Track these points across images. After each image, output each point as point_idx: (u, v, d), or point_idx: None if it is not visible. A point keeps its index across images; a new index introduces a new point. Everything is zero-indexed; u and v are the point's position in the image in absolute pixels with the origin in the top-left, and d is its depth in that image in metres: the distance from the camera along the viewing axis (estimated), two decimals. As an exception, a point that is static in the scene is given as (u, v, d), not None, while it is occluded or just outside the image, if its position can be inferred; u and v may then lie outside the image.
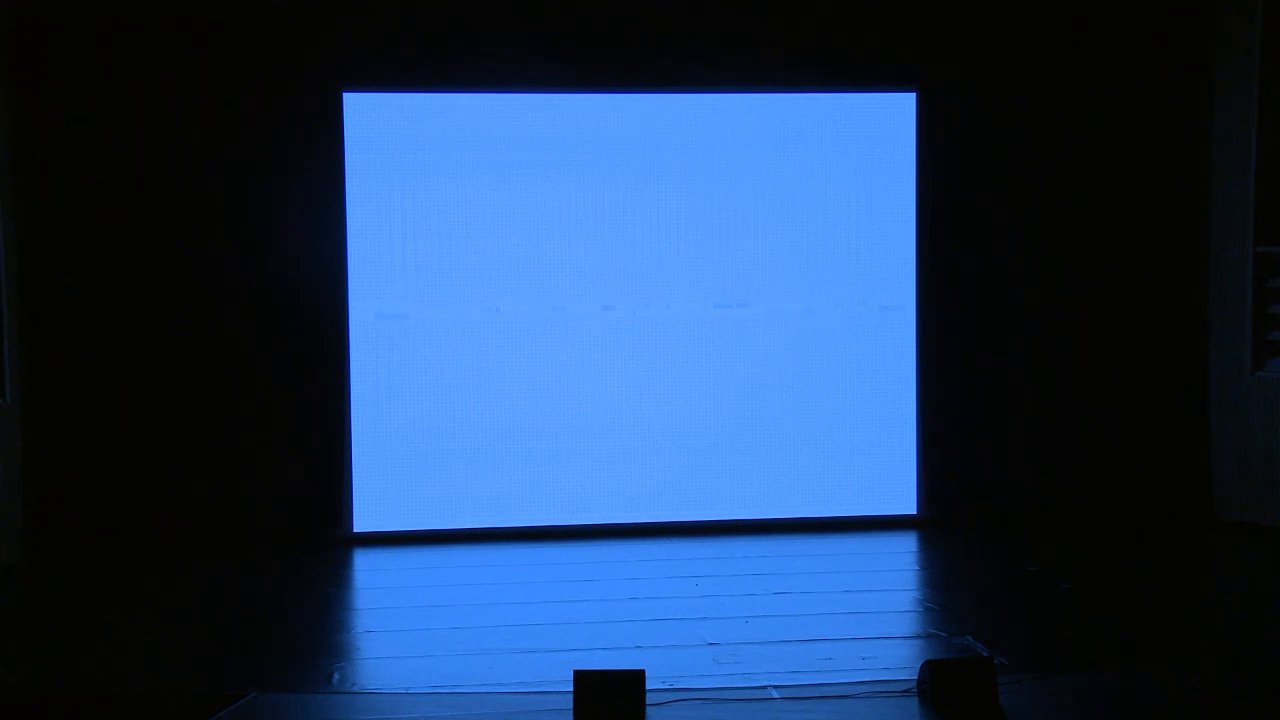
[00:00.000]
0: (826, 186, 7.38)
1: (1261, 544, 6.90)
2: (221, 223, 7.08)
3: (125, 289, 7.04)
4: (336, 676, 4.87)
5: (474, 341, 7.23)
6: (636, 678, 4.31)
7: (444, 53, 7.14)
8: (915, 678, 4.56)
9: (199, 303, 7.08)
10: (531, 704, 4.50)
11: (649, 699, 4.34)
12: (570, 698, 4.29)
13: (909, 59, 7.38)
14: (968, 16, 7.40)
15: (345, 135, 7.08)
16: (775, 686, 4.65)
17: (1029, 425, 7.54)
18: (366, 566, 6.77)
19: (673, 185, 7.29)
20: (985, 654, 4.92)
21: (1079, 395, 7.56)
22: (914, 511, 7.48)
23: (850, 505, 7.45)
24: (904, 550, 7.00)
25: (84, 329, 7.02)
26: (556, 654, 5.08)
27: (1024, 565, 6.52)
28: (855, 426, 7.45)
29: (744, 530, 7.33)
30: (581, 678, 4.29)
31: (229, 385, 7.12)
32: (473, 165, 7.18)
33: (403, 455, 7.21)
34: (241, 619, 5.73)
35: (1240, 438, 7.24)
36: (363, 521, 7.19)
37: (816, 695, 4.55)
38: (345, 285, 7.12)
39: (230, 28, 7.03)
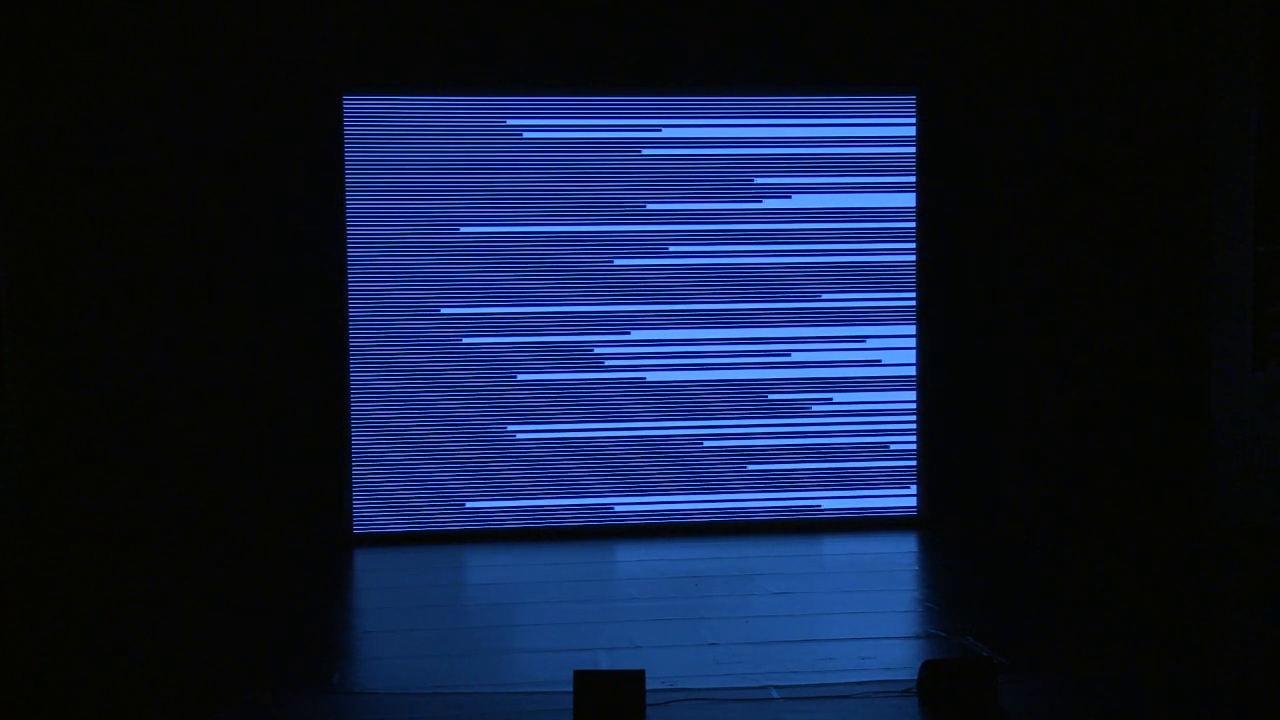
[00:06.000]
0: (826, 186, 7.38)
1: (1262, 544, 6.90)
2: (222, 224, 7.08)
3: (125, 289, 7.04)
4: (336, 676, 4.88)
5: (474, 341, 7.23)
6: (636, 678, 4.32)
7: (444, 56, 7.15)
8: (915, 678, 4.56)
9: (199, 303, 7.09)
10: (531, 704, 4.50)
11: (649, 699, 4.35)
12: (570, 698, 4.29)
13: (909, 60, 7.38)
14: (967, 17, 7.40)
15: (345, 137, 7.09)
16: (775, 686, 4.65)
17: (1029, 425, 7.54)
18: (366, 566, 6.77)
19: (672, 185, 7.29)
20: (985, 654, 4.92)
21: (1079, 395, 7.55)
22: (914, 511, 7.48)
23: (850, 505, 7.46)
24: (904, 550, 7.00)
25: (84, 329, 7.02)
26: (556, 654, 5.09)
27: (1024, 567, 6.53)
28: (855, 426, 7.45)
29: (744, 530, 7.34)
30: (581, 678, 4.29)
31: (229, 386, 7.12)
32: (472, 166, 7.19)
33: (403, 455, 7.22)
34: (242, 619, 5.73)
35: (1241, 438, 7.24)
36: (363, 521, 7.19)
37: (816, 695, 4.55)
38: (345, 286, 7.13)
39: (231, 30, 7.03)
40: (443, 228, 7.19)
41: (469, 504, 7.24)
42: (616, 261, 7.29)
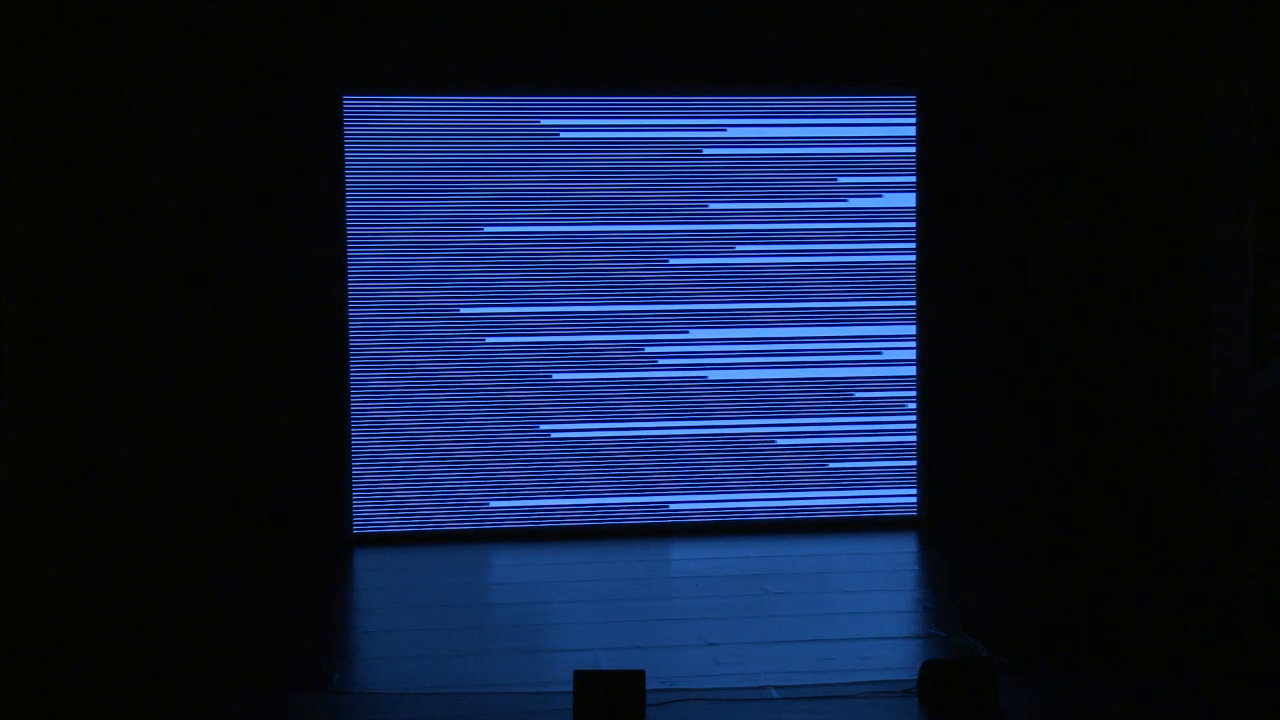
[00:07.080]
0: (826, 187, 7.38)
1: (1261, 545, 6.89)
2: (222, 223, 7.08)
3: (124, 289, 7.04)
4: (337, 676, 4.88)
5: (474, 342, 7.24)
6: (636, 678, 4.32)
7: (445, 55, 7.15)
8: (915, 678, 4.56)
9: (199, 303, 7.08)
10: (531, 704, 4.50)
11: (649, 699, 4.35)
12: (570, 698, 4.29)
13: (909, 60, 7.38)
14: (967, 18, 7.40)
15: (345, 137, 7.09)
16: (775, 686, 4.66)
17: (1029, 425, 7.54)
18: (366, 566, 6.77)
19: (672, 185, 7.30)
20: (985, 654, 4.92)
21: (1079, 395, 7.55)
22: (914, 511, 7.48)
23: (850, 505, 7.46)
24: (904, 550, 7.01)
25: (83, 328, 7.02)
26: (556, 654, 5.09)
27: (1024, 567, 6.52)
28: (855, 427, 7.45)
29: (744, 530, 7.34)
30: (581, 678, 4.29)
31: (229, 386, 7.11)
32: (472, 166, 7.19)
33: (403, 455, 7.22)
34: (242, 619, 5.73)
35: (1241, 438, 7.24)
36: (363, 521, 7.19)
37: (816, 695, 4.56)
38: (345, 286, 7.13)
39: (230, 29, 7.03)
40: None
41: (471, 504, 7.24)
42: (614, 263, 7.30)
